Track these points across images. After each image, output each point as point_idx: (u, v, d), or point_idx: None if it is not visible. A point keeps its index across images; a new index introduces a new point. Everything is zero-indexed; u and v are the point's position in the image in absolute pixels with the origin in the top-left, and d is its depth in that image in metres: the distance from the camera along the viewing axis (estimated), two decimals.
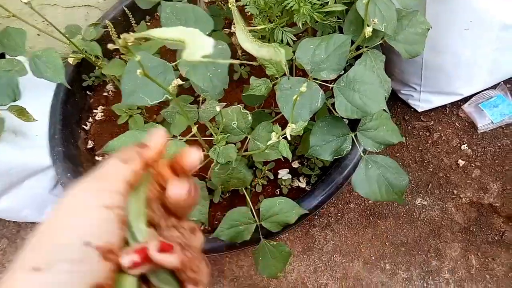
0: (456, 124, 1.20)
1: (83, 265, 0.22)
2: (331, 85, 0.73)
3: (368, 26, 0.69)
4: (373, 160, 0.74)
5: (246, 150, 0.77)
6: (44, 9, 1.22)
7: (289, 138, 0.62)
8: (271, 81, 0.83)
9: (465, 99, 1.20)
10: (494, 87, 1.21)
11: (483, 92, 1.20)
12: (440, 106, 1.21)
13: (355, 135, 0.77)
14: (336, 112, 0.83)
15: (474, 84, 1.16)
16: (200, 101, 0.84)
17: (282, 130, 0.66)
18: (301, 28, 0.77)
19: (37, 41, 1.27)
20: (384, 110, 0.74)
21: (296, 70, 0.88)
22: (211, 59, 0.27)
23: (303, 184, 0.95)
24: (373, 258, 1.04)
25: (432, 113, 1.22)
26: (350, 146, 0.76)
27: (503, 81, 1.20)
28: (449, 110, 1.22)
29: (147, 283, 0.26)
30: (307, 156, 0.97)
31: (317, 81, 0.73)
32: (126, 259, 0.23)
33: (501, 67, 1.12)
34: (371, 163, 0.74)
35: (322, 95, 0.72)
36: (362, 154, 0.76)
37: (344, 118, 0.78)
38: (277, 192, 0.95)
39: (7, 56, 0.99)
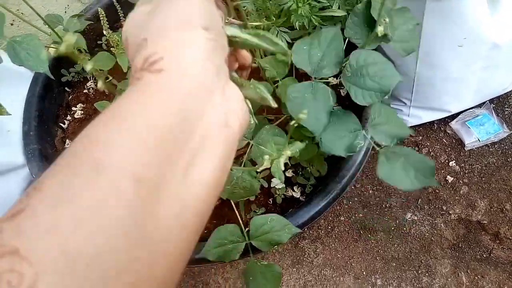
0: (444, 140, 1.20)
1: (223, 38, 0.29)
2: (337, 80, 0.69)
3: (379, 26, 0.66)
4: (391, 151, 0.69)
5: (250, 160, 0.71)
6: None
7: (282, 167, 0.45)
8: (271, 85, 0.79)
9: (453, 116, 1.21)
10: (480, 105, 1.23)
11: (470, 110, 1.22)
12: (428, 122, 1.21)
13: (365, 131, 0.73)
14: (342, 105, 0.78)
15: (462, 101, 1.17)
16: None
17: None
18: (298, 29, 0.74)
19: (9, 31, 1.18)
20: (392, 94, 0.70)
21: (296, 71, 0.84)
22: None
23: (297, 194, 0.90)
24: (364, 273, 1.01)
25: (421, 128, 1.22)
26: (363, 142, 0.72)
27: (488, 100, 1.23)
28: (437, 126, 1.22)
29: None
30: (302, 164, 0.93)
31: (322, 81, 0.69)
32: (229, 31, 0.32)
33: (487, 85, 1.14)
34: (390, 155, 0.69)
35: (332, 92, 0.68)
36: (377, 148, 0.71)
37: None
38: (270, 201, 0.91)
39: None
